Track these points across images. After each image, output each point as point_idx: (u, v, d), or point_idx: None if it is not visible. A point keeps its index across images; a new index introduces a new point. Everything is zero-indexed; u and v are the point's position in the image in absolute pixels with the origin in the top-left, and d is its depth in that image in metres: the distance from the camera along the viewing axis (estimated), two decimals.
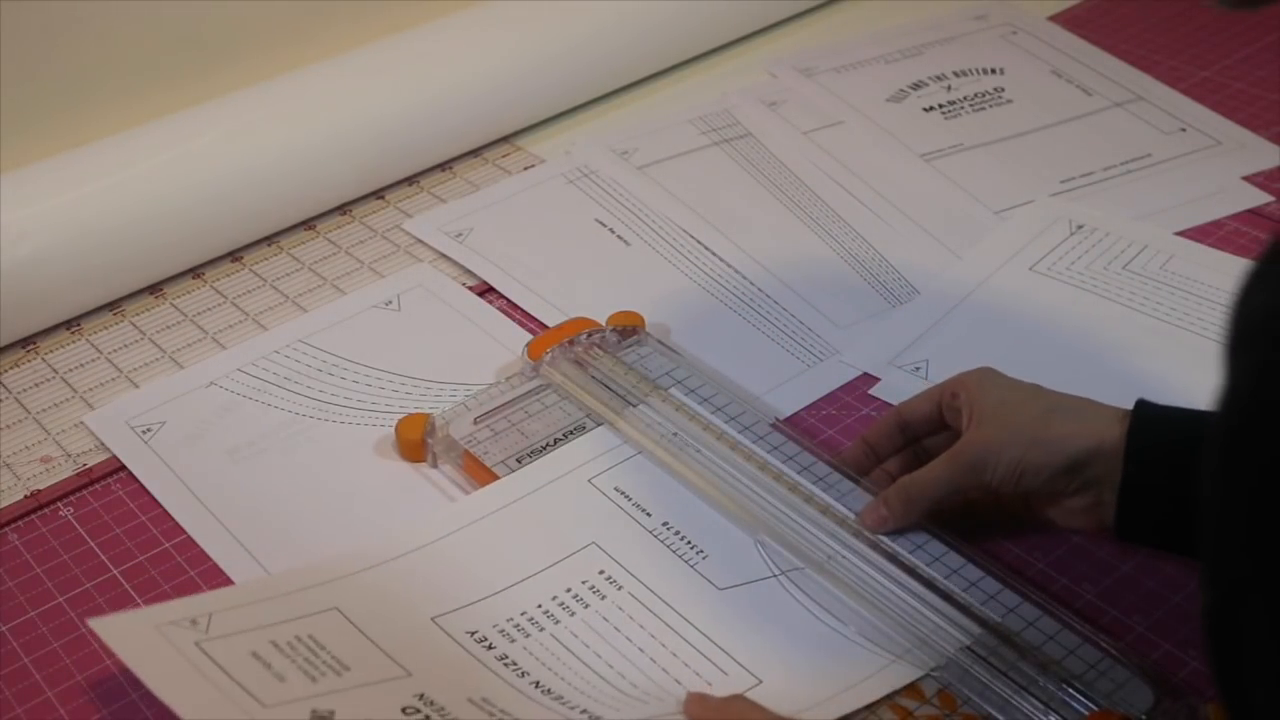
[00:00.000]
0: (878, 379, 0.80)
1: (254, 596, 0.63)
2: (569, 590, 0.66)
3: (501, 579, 0.66)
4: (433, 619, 0.63)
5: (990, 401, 0.67)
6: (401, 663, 0.60)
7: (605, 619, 0.65)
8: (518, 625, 0.64)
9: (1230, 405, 0.42)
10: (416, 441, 0.75)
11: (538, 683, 0.61)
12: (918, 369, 0.80)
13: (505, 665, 0.61)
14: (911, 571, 0.65)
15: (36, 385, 0.82)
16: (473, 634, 0.63)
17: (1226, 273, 0.86)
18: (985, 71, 1.09)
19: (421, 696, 0.58)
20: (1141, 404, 0.66)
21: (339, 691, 0.58)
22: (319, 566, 0.66)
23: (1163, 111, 1.03)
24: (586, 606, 0.65)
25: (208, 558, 0.70)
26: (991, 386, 0.68)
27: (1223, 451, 0.43)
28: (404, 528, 0.69)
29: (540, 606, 0.65)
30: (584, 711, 0.60)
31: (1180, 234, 0.90)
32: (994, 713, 0.60)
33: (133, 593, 0.69)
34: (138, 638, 0.58)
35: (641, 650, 0.63)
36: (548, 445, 0.74)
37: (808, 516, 0.69)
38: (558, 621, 0.64)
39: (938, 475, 0.66)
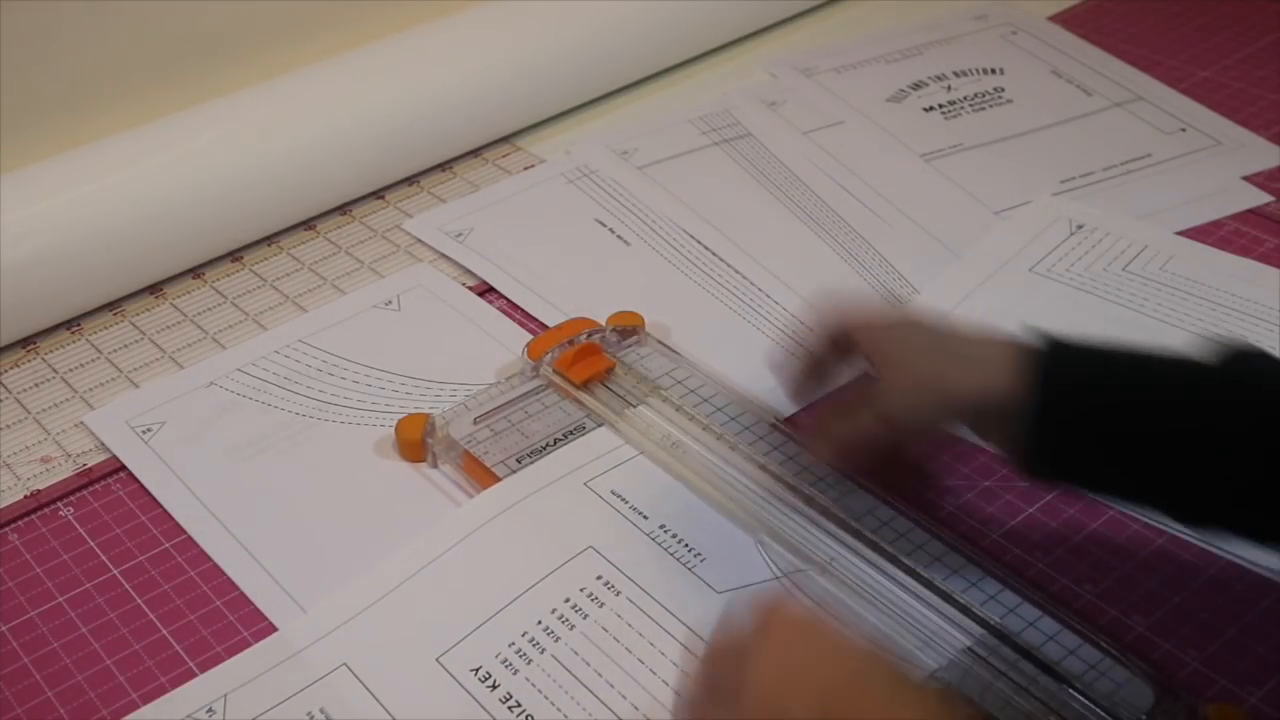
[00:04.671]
0: (878, 379, 0.80)
1: (266, 662, 0.64)
2: (568, 600, 0.66)
3: (502, 595, 0.66)
4: (437, 659, 0.64)
5: (891, 353, 0.67)
6: None
7: (604, 629, 0.65)
8: (519, 650, 0.64)
9: None
10: (416, 441, 0.75)
11: None
12: None
13: (510, 709, 0.61)
14: (912, 572, 0.66)
15: (36, 385, 0.82)
16: (476, 670, 0.63)
17: (1226, 273, 0.86)
18: (985, 71, 1.09)
19: None
20: (1039, 344, 0.63)
21: None
22: (323, 613, 0.66)
23: (1163, 111, 1.04)
24: (586, 617, 0.65)
25: (208, 558, 0.70)
26: (884, 336, 0.68)
27: None
28: (403, 551, 0.69)
29: (540, 623, 0.65)
30: None
31: (1180, 234, 0.90)
32: (994, 713, 0.60)
33: (133, 593, 0.69)
34: None
35: (641, 661, 0.63)
36: (548, 445, 0.74)
37: (808, 517, 0.69)
38: (558, 639, 0.64)
39: (849, 417, 0.67)
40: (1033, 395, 0.61)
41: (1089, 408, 0.61)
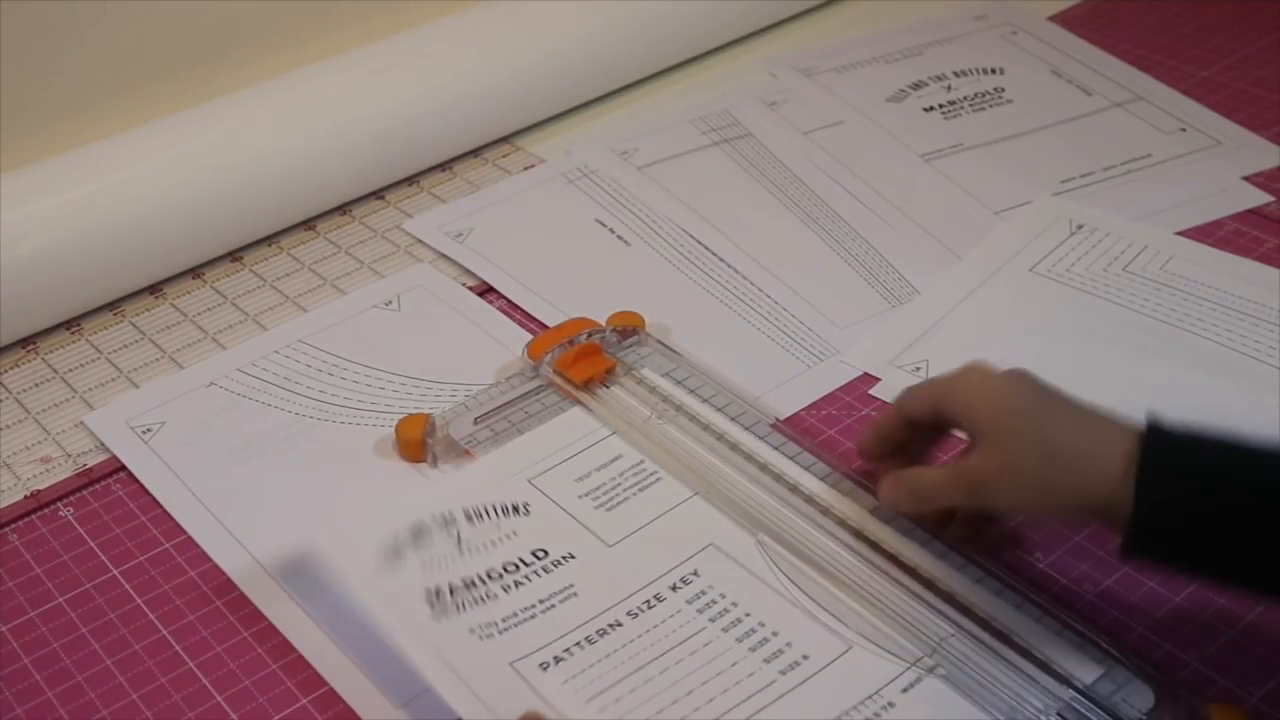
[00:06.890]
0: (878, 379, 0.80)
1: None
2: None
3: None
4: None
5: (987, 429, 0.63)
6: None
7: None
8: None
9: None
10: (416, 441, 0.75)
11: None
12: (918, 369, 0.80)
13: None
14: (913, 572, 0.66)
15: (36, 385, 0.82)
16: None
17: (1226, 273, 0.86)
18: (985, 71, 1.09)
19: None
20: (1149, 445, 0.59)
21: None
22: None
23: (1163, 111, 1.04)
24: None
25: (208, 558, 0.71)
26: (985, 408, 0.63)
27: None
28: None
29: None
30: None
31: (1180, 234, 0.90)
32: (994, 713, 0.60)
33: (133, 593, 0.69)
34: None
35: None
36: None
37: (808, 516, 0.69)
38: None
39: (942, 488, 0.64)
40: (1144, 507, 0.58)
41: (1202, 516, 0.58)
